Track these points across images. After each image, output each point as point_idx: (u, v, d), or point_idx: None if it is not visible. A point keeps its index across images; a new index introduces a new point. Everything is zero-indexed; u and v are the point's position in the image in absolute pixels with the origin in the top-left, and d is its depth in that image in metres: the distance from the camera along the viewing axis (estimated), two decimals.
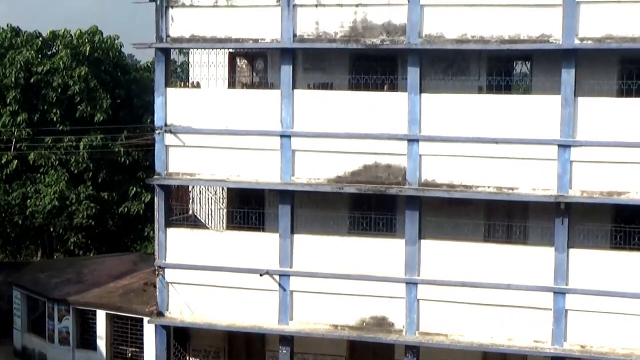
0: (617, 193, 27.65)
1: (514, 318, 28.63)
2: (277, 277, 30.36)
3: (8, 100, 42.85)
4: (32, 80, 42.84)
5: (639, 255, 28.07)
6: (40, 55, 43.78)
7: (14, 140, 42.90)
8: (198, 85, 33.57)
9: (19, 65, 42.66)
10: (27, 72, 42.78)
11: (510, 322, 28.68)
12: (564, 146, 27.81)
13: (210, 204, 35.15)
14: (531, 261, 28.59)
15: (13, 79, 42.50)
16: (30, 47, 43.76)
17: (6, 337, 37.36)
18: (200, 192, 34.93)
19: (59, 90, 42.70)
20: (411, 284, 29.37)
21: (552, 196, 27.95)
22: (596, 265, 28.11)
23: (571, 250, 28.15)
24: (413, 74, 28.82)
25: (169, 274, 31.45)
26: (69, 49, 43.37)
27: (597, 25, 27.33)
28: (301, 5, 29.36)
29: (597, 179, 27.72)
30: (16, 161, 42.84)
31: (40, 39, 44.90)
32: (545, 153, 28.02)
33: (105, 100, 43.19)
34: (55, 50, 44.69)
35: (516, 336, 28.75)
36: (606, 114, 27.76)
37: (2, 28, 45.19)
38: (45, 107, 43.01)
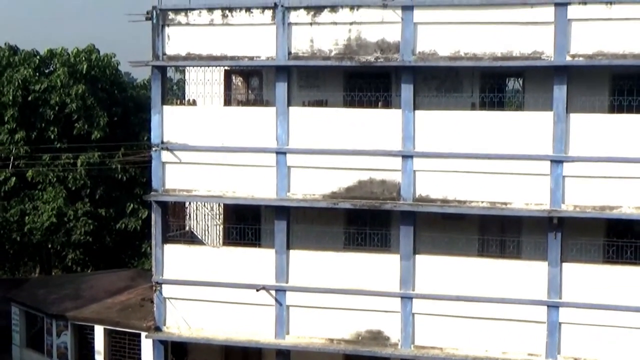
0: (609, 208, 27.67)
1: (508, 331, 28.61)
2: (273, 292, 30.32)
3: (6, 119, 42.87)
4: (29, 98, 42.83)
5: (632, 269, 28.13)
6: (37, 74, 43.79)
7: (12, 157, 42.87)
8: (194, 103, 33.59)
9: (16, 84, 42.67)
10: (24, 90, 42.79)
11: (504, 336, 28.65)
12: (556, 161, 27.84)
13: (206, 220, 35.14)
14: (525, 275, 28.60)
15: (11, 97, 42.50)
16: (27, 66, 43.79)
17: (5, 352, 37.26)
18: (196, 208, 34.92)
19: (57, 108, 42.70)
20: (406, 299, 29.35)
21: (545, 211, 27.96)
22: (589, 279, 28.12)
23: (564, 265, 28.17)
24: (407, 91, 28.87)
25: (167, 290, 31.39)
26: (66, 67, 43.41)
27: (589, 42, 27.41)
28: (296, 24, 29.43)
29: (589, 194, 27.74)
30: (14, 178, 42.81)
31: (38, 57, 44.94)
32: (538, 168, 28.05)
33: (103, 118, 43.21)
34: (52, 69, 44.74)
35: (510, 349, 28.72)
36: (598, 130, 27.81)
37: (0, 47, 45.17)
38: (43, 124, 43.02)
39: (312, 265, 30.15)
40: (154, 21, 30.57)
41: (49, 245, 43.46)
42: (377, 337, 29.80)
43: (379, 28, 28.89)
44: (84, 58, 44.00)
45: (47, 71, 44.85)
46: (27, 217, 42.20)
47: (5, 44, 45.46)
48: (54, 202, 42.01)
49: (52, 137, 42.86)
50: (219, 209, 34.24)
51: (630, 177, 27.31)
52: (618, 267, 28.37)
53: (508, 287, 28.53)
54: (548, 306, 28.27)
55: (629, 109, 28.59)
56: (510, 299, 28.44)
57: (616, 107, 28.87)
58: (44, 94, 42.80)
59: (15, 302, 37.00)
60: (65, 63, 43.72)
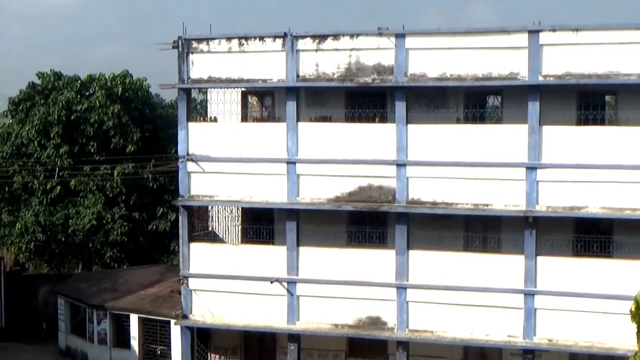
0: (577, 208, 27.67)
1: (490, 316, 28.57)
2: (285, 284, 30.30)
3: (52, 135, 42.93)
4: (72, 117, 42.92)
5: (598, 261, 28.13)
6: (79, 96, 43.85)
7: (57, 169, 42.92)
8: (215, 120, 33.61)
9: (60, 105, 42.76)
10: (68, 110, 42.87)
11: (487, 320, 28.62)
12: (531, 168, 27.84)
13: (227, 222, 35.16)
14: (504, 267, 28.58)
15: (56, 117, 42.60)
16: (70, 89, 43.87)
17: (53, 338, 37.29)
18: (218, 211, 34.95)
19: (96, 125, 42.78)
20: (401, 288, 29.33)
21: (522, 211, 27.95)
22: (560, 270, 28.10)
23: (539, 258, 28.15)
24: (400, 107, 28.90)
25: (192, 283, 31.41)
26: (104, 90, 43.49)
27: (558, 64, 27.44)
28: (303, 50, 29.48)
29: (560, 196, 27.75)
30: (59, 187, 42.88)
31: (79, 81, 45.00)
32: (515, 174, 28.05)
33: (136, 134, 43.28)
34: (92, 91, 44.77)
35: (492, 332, 28.71)
36: (567, 140, 27.84)
37: (46, 73, 45.31)
38: (84, 140, 43.09)
39: (318, 260, 30.15)
40: (180, 49, 30.63)
41: (90, 245, 43.49)
42: (376, 322, 29.78)
43: (375, 53, 28.93)
44: (119, 82, 44.07)
45: (87, 93, 44.87)
46: (70, 221, 42.24)
47: (50, 70, 45.55)
48: (94, 207, 42.06)
49: (92, 150, 42.93)
50: (237, 212, 34.25)
51: (595, 181, 27.34)
52: (585, 259, 28.37)
53: (490, 278, 28.52)
54: (524, 294, 28.24)
55: (594, 122, 28.67)
56: (491, 288, 28.43)
57: (583, 120, 28.93)
58: (84, 114, 42.89)
59: (61, 295, 37.03)
60: (103, 86, 43.80)
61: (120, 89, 43.75)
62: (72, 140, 43.29)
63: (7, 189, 44.19)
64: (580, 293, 27.49)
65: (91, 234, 42.21)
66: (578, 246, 29.14)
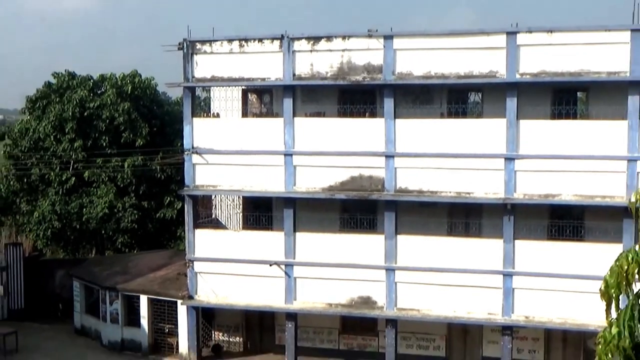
0: (552, 195, 27.78)
1: (471, 296, 28.67)
2: (283, 267, 30.39)
3: (67, 130, 42.86)
4: (85, 114, 42.83)
5: (570, 244, 28.25)
6: (91, 94, 43.75)
7: (72, 161, 42.89)
8: (218, 116, 33.69)
9: (74, 102, 42.66)
10: (81, 107, 42.77)
11: (469, 299, 28.72)
12: (509, 159, 27.93)
13: (229, 209, 35.21)
14: (484, 250, 28.69)
15: (70, 113, 42.51)
16: (83, 88, 43.76)
17: (69, 318, 37.31)
18: (220, 200, 35.01)
19: (107, 121, 42.71)
20: (390, 270, 29.41)
21: (501, 199, 28.05)
22: (536, 252, 28.23)
23: (516, 241, 28.24)
24: (388, 104, 28.95)
25: (197, 266, 31.48)
26: (115, 88, 43.40)
27: (534, 63, 27.51)
28: (299, 51, 29.50)
29: (536, 185, 27.85)
30: (74, 178, 42.84)
31: (92, 81, 44.91)
32: (494, 164, 28.14)
33: (144, 129, 43.22)
34: (103, 90, 44.67)
35: (474, 310, 28.81)
36: (542, 133, 27.94)
37: (61, 73, 45.24)
38: (96, 135, 43.01)
39: (314, 244, 30.23)
40: (185, 50, 30.63)
41: (103, 231, 43.46)
42: (367, 301, 29.87)
43: (366, 54, 28.96)
44: (128, 81, 43.98)
45: (99, 92, 44.74)
46: (84, 209, 42.22)
47: (65, 70, 45.46)
48: (106, 196, 42.03)
49: (104, 144, 42.86)
50: (238, 200, 34.30)
51: (568, 171, 27.46)
52: (559, 243, 28.48)
53: (471, 260, 28.62)
54: (503, 275, 28.35)
55: (567, 116, 28.78)
56: (473, 270, 28.51)
57: (556, 115, 29.00)
58: (97, 110, 42.80)
59: (76, 278, 37.02)
60: (114, 85, 43.70)
61: (130, 88, 43.67)
62: (86, 135, 43.23)
63: (25, 180, 44.19)
64: (555, 274, 27.60)
65: (104, 221, 42.21)
66: (552, 230, 29.24)
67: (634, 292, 6.41)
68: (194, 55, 30.70)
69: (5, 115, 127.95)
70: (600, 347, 6.44)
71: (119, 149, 43.00)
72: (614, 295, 6.41)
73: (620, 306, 6.46)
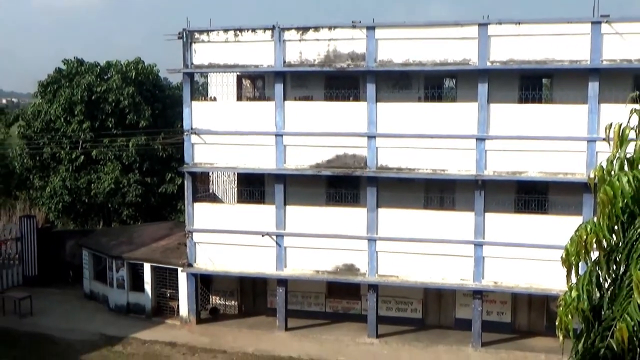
0: (519, 172, 27.91)
1: (445, 263, 28.84)
2: (274, 237, 30.45)
3: (76, 112, 42.70)
4: (93, 98, 42.66)
5: (535, 217, 28.43)
6: (98, 79, 43.56)
7: (80, 141, 42.75)
8: (215, 99, 33.59)
9: (83, 87, 42.49)
10: (89, 91, 42.59)
11: (443, 266, 28.89)
12: (480, 139, 28.01)
13: (224, 185, 35.25)
14: (457, 222, 28.83)
15: (79, 97, 42.35)
16: (91, 73, 43.57)
17: (78, 284, 37.34)
18: (217, 176, 35.02)
19: (113, 104, 42.56)
20: (371, 240, 29.53)
21: (472, 175, 28.15)
22: (504, 224, 28.39)
23: (486, 214, 28.39)
24: (370, 89, 28.94)
25: (196, 236, 31.51)
26: (120, 74, 43.22)
27: (503, 52, 27.54)
28: (289, 40, 29.41)
29: (504, 163, 27.96)
30: (82, 156, 42.75)
31: (99, 67, 44.70)
32: (466, 144, 28.22)
33: (147, 111, 43.10)
34: (109, 75, 44.47)
35: (448, 276, 28.99)
36: (510, 116, 28.01)
37: (70, 60, 44.98)
38: (103, 116, 42.88)
39: (302, 216, 30.29)
40: (184, 39, 30.49)
41: (109, 205, 43.43)
42: (350, 268, 30.00)
43: (350, 43, 28.90)
44: (133, 67, 43.77)
45: (105, 77, 44.53)
46: (92, 185, 42.17)
47: (74, 57, 45.20)
48: (112, 173, 41.97)
49: (110, 125, 42.73)
50: (233, 177, 34.33)
51: (534, 150, 27.57)
52: (525, 215, 28.66)
53: (445, 231, 28.76)
54: (474, 244, 28.52)
55: (533, 100, 28.88)
56: (447, 240, 28.66)
57: (523, 99, 29.10)
58: (103, 94, 42.63)
59: (85, 247, 37.01)
60: (119, 71, 43.51)
61: (134, 73, 43.50)
62: (93, 117, 43.08)
63: (38, 158, 44.09)
64: (521, 243, 27.79)
65: (110, 195, 42.18)
66: (519, 204, 29.41)
67: (592, 260, 6.45)
68: (193, 44, 30.57)
69: (19, 98, 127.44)
70: (561, 309, 6.49)
71: (124, 130, 42.88)
72: (573, 262, 6.45)
73: (579, 272, 6.51)
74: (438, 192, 30.57)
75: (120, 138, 42.63)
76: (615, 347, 5.85)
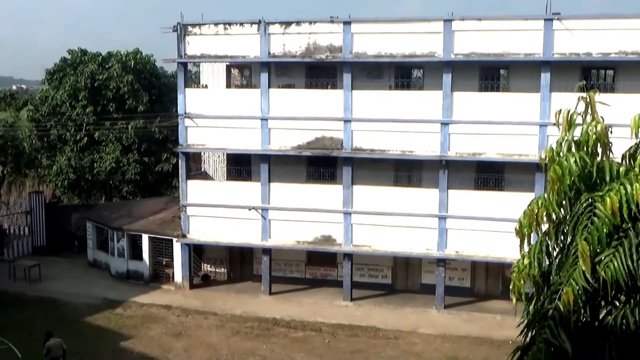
0: (478, 153, 28.01)
1: (413, 235, 28.96)
2: (259, 211, 30.42)
3: (80, 98, 42.35)
4: (95, 84, 42.28)
5: (493, 193, 28.61)
6: (100, 68, 43.14)
7: (84, 124, 42.40)
8: (206, 87, 33.42)
9: (86, 75, 42.10)
10: (92, 79, 42.21)
11: (410, 237, 29.01)
12: (444, 124, 28.06)
13: (215, 164, 35.12)
14: (424, 198, 28.93)
15: (83, 84, 41.96)
16: (94, 62, 43.16)
17: (83, 252, 37.18)
18: (209, 156, 34.88)
19: (114, 90, 42.21)
20: (347, 214, 29.58)
21: (437, 156, 28.23)
22: (465, 200, 28.53)
23: (449, 191, 28.51)
24: (346, 78, 28.88)
25: (189, 210, 31.42)
26: (120, 63, 42.83)
27: (466, 45, 27.54)
28: (273, 33, 29.23)
29: (466, 145, 28.04)
30: (86, 138, 42.43)
31: (101, 57, 44.27)
32: (432, 128, 28.27)
33: (145, 97, 42.80)
34: (110, 64, 44.03)
35: (414, 246, 29.12)
36: (471, 103, 28.07)
37: (75, 50, 44.53)
38: (105, 102, 42.52)
39: (285, 192, 30.27)
40: (178, 32, 30.23)
41: (110, 182, 43.17)
42: (328, 239, 30.06)
43: (328, 36, 28.78)
44: (132, 57, 43.38)
45: (107, 66, 44.08)
46: (95, 164, 41.90)
47: (78, 48, 44.74)
48: (113, 153, 41.71)
49: (111, 110, 42.39)
50: (223, 156, 34.22)
51: (492, 134, 27.64)
52: (484, 192, 28.83)
53: (413, 206, 28.86)
54: (438, 218, 28.65)
55: (491, 89, 29.04)
56: (414, 213, 28.77)
57: (483, 88, 29.20)
58: (105, 82, 42.25)
59: (89, 220, 36.82)
60: (119, 61, 43.10)
61: (133, 63, 43.11)
62: (96, 102, 42.70)
63: (45, 139, 43.71)
64: (480, 217, 27.94)
65: (111, 173, 41.93)
66: (478, 182, 29.57)
67: (542, 231, 6.50)
68: (186, 36, 30.31)
69: (28, 85, 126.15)
70: (514, 275, 6.54)
71: (124, 114, 42.58)
72: (526, 233, 6.49)
73: (531, 242, 6.55)
74: (406, 171, 30.65)
75: (120, 121, 42.32)
76: (562, 308, 5.91)
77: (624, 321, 5.71)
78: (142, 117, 42.42)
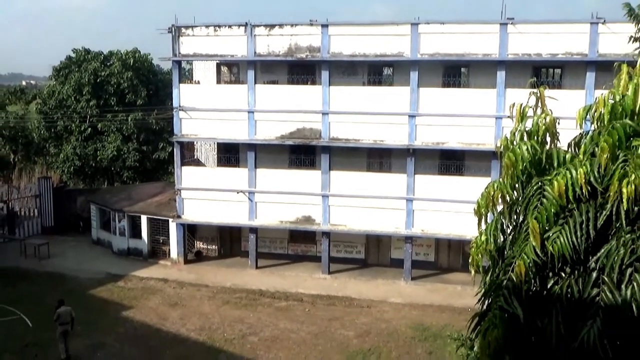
0: (441, 143, 28.11)
1: (383, 215, 29.07)
2: (247, 194, 30.36)
3: (84, 92, 41.91)
4: (98, 80, 41.82)
5: (454, 178, 28.69)
6: (102, 65, 42.66)
7: (88, 116, 41.96)
8: (198, 82, 33.14)
9: (90, 72, 41.64)
10: (95, 75, 41.75)
11: (381, 218, 29.12)
12: (411, 116, 28.11)
13: (207, 152, 34.95)
14: (393, 182, 29.02)
15: (86, 80, 41.52)
16: (96, 60, 42.68)
17: (88, 232, 36.90)
18: (201, 145, 34.69)
19: (115, 86, 41.80)
20: (325, 196, 29.61)
21: (405, 145, 28.30)
22: (430, 184, 28.64)
23: (416, 176, 28.62)
24: (324, 75, 28.80)
25: (184, 193, 31.27)
26: (120, 61, 42.40)
27: (430, 47, 27.55)
28: (259, 35, 29.06)
29: (430, 135, 28.14)
30: (90, 129, 42.01)
31: (102, 55, 43.78)
32: (401, 120, 28.32)
33: (143, 92, 42.44)
34: (111, 62, 43.55)
35: (385, 225, 29.24)
36: (435, 98, 28.12)
37: (79, 49, 44.01)
38: (107, 96, 42.09)
39: (269, 177, 30.21)
40: (173, 33, 29.95)
41: (112, 168, 42.80)
42: (308, 219, 30.07)
43: (308, 38, 28.66)
44: (131, 56, 42.94)
45: (108, 64, 43.59)
46: (98, 152, 41.52)
47: (82, 47, 44.22)
48: (115, 142, 41.34)
49: (112, 103, 41.98)
50: (214, 145, 34.04)
51: (454, 125, 27.76)
52: (446, 177, 28.96)
53: (383, 189, 28.95)
54: (406, 200, 28.76)
55: (453, 85, 29.11)
56: (385, 196, 28.87)
57: (446, 84, 29.24)
58: (107, 78, 41.81)
59: (93, 202, 36.50)
60: (120, 59, 42.65)
61: (132, 61, 42.69)
62: (98, 96, 42.26)
63: (52, 130, 43.24)
64: (443, 199, 28.09)
65: (113, 161, 41.60)
66: (442, 168, 29.69)
67: (498, 211, 6.55)
68: (180, 37, 30.03)
69: (36, 81, 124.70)
70: (473, 250, 6.58)
71: (124, 107, 42.20)
72: (483, 213, 6.53)
73: (487, 221, 6.60)
74: (378, 158, 30.71)
75: (120, 114, 41.93)
76: (514, 279, 5.96)
77: (569, 290, 5.79)
78: (141, 109, 42.06)
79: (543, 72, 29.23)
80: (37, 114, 45.72)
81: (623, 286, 5.53)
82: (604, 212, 5.75)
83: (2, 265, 31.25)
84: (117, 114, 41.93)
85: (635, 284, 5.48)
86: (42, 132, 43.79)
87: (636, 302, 5.45)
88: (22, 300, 26.02)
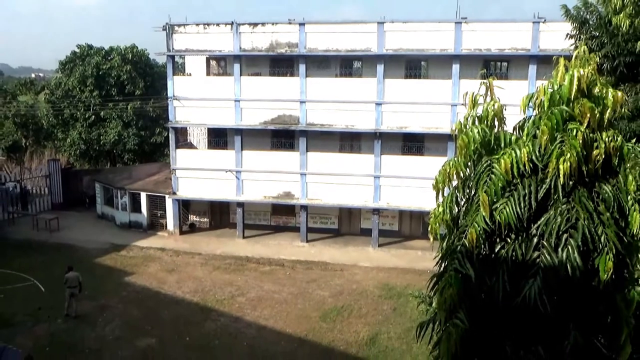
0: (404, 127, 28.18)
1: (354, 191, 29.17)
2: (234, 173, 30.21)
3: (88, 84, 41.21)
4: (100, 73, 41.10)
5: (415, 157, 28.84)
6: (104, 59, 41.90)
7: (91, 105, 41.28)
8: (190, 75, 32.69)
9: (92, 65, 40.92)
10: (97, 68, 41.02)
11: (352, 193, 29.22)
12: (378, 104, 28.10)
13: (198, 136, 34.64)
14: (362, 162, 29.07)
15: (90, 72, 40.81)
16: (98, 55, 41.92)
17: (92, 208, 36.49)
18: (193, 130, 34.36)
19: (115, 78, 41.12)
20: (303, 174, 29.58)
21: (373, 129, 28.32)
22: (394, 163, 28.76)
23: (382, 156, 28.69)
24: (302, 68, 28.60)
25: (179, 173, 31.01)
26: (120, 56, 41.68)
27: (395, 42, 27.48)
28: (243, 32, 28.72)
29: (395, 120, 28.18)
30: (93, 116, 41.36)
31: (104, 50, 42.99)
32: (369, 107, 28.29)
33: (141, 83, 41.81)
34: (112, 57, 42.77)
35: (355, 200, 29.33)
36: (399, 88, 28.12)
37: (82, 45, 43.17)
38: (108, 87, 41.43)
39: (254, 158, 30.08)
40: (167, 31, 29.48)
41: (114, 151, 42.30)
42: (288, 194, 30.06)
43: (288, 35, 28.40)
44: (129, 51, 42.21)
45: (109, 58, 42.78)
46: (101, 137, 40.97)
47: (85, 43, 43.44)
48: (116, 128, 40.78)
49: (113, 93, 41.33)
50: (204, 130, 33.73)
51: (415, 112, 27.83)
52: (409, 157, 29.07)
53: (354, 168, 29.00)
54: (374, 177, 28.87)
55: (415, 77, 29.07)
56: (355, 174, 28.94)
57: (408, 76, 29.24)
58: (108, 71, 41.09)
59: (97, 181, 36.06)
60: (120, 54, 41.91)
61: (130, 55, 41.97)
62: (101, 87, 41.57)
63: (60, 117, 42.52)
64: (406, 176, 28.24)
65: (115, 144, 41.07)
66: (405, 149, 29.80)
67: (453, 186, 6.60)
68: (173, 34, 29.57)
69: (45, 74, 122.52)
70: (431, 219, 6.64)
71: (124, 97, 41.59)
72: (440, 187, 6.58)
73: (444, 194, 6.65)
74: (349, 140, 30.72)
75: (121, 103, 41.34)
76: (467, 244, 6.04)
77: (514, 253, 5.88)
78: (139, 99, 41.50)
79: (492, 65, 29.37)
80: (46, 103, 44.94)
81: (560, 249, 5.64)
82: (544, 186, 5.83)
83: (16, 237, 30.86)
84: (118, 103, 41.32)
85: (569, 247, 5.58)
86: (50, 119, 43.06)
87: (570, 263, 5.56)
88: (35, 269, 25.75)
